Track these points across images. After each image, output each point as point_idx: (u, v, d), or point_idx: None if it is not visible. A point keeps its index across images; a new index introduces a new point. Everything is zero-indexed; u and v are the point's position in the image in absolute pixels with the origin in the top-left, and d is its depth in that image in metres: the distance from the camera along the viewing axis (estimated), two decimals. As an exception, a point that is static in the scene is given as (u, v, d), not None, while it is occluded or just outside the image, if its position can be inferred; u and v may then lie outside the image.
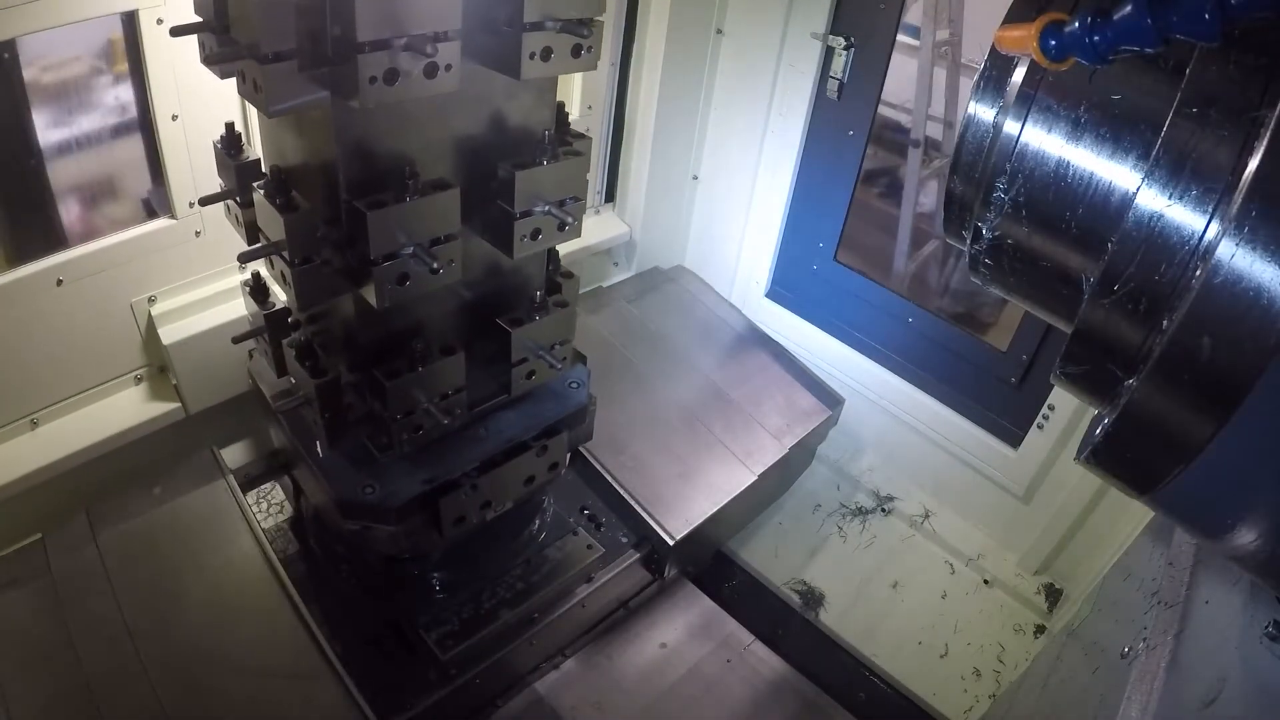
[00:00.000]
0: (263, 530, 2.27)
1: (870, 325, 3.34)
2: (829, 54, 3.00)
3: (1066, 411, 2.79)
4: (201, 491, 2.32)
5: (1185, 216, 0.81)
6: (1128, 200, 0.88)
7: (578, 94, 3.08)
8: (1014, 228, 1.02)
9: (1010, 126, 1.01)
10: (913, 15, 3.98)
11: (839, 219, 3.30)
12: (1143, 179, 0.84)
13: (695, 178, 3.54)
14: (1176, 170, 0.81)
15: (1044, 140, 0.98)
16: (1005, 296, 1.16)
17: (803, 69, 3.07)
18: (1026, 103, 1.00)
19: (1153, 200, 0.82)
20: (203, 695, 1.92)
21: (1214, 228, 0.79)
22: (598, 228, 3.37)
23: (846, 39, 2.94)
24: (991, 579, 3.08)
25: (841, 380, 3.33)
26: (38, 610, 2.01)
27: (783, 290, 3.56)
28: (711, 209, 3.58)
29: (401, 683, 2.18)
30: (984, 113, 1.08)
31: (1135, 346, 0.88)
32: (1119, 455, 0.90)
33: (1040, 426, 2.89)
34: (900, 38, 3.10)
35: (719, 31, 3.17)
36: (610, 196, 3.50)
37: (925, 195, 4.51)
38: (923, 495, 3.32)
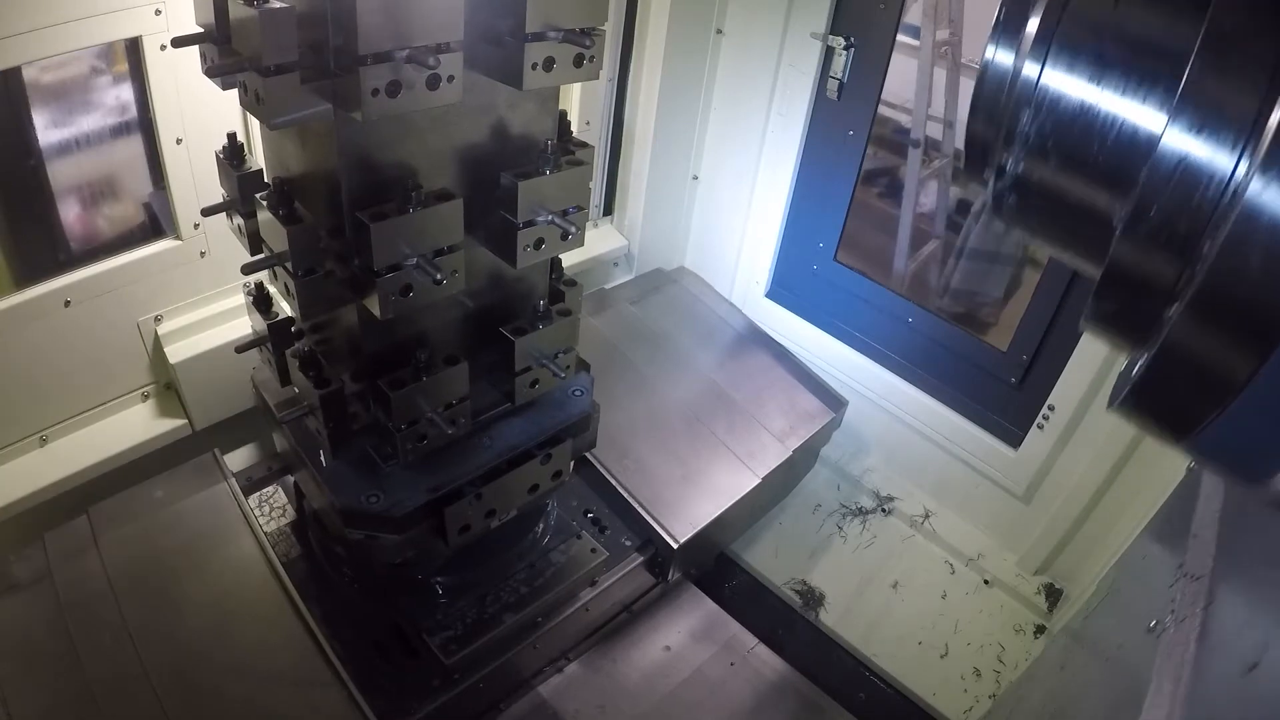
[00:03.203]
0: (265, 534, 2.27)
1: (870, 325, 3.34)
2: (829, 54, 2.99)
3: (1066, 411, 2.80)
4: (203, 495, 2.33)
5: (1220, 141, 0.77)
6: (1157, 132, 0.85)
7: (576, 109, 3.10)
8: (1039, 163, 0.97)
9: (1031, 62, 0.96)
10: (913, 15, 3.96)
11: (839, 219, 3.30)
12: (1174, 104, 0.80)
13: (695, 178, 3.53)
14: (1209, 94, 0.78)
15: (1066, 74, 0.94)
16: (1030, 240, 1.12)
17: (803, 69, 3.06)
18: (1048, 36, 0.95)
19: (1186, 123, 0.79)
20: (204, 699, 1.92)
21: (1251, 151, 0.76)
22: (595, 241, 3.39)
23: (846, 39, 2.93)
24: (991, 579, 3.09)
25: (841, 380, 3.33)
26: (38, 613, 2.01)
27: (783, 290, 3.56)
28: (711, 209, 3.58)
29: (404, 687, 2.19)
30: (1003, 56, 1.03)
31: (1172, 279, 0.83)
32: (1157, 396, 0.85)
33: (1040, 426, 2.90)
34: (900, 38, 3.09)
35: (719, 31, 3.16)
36: (609, 209, 3.52)
37: (925, 195, 4.50)
38: (923, 495, 3.33)
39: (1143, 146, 0.89)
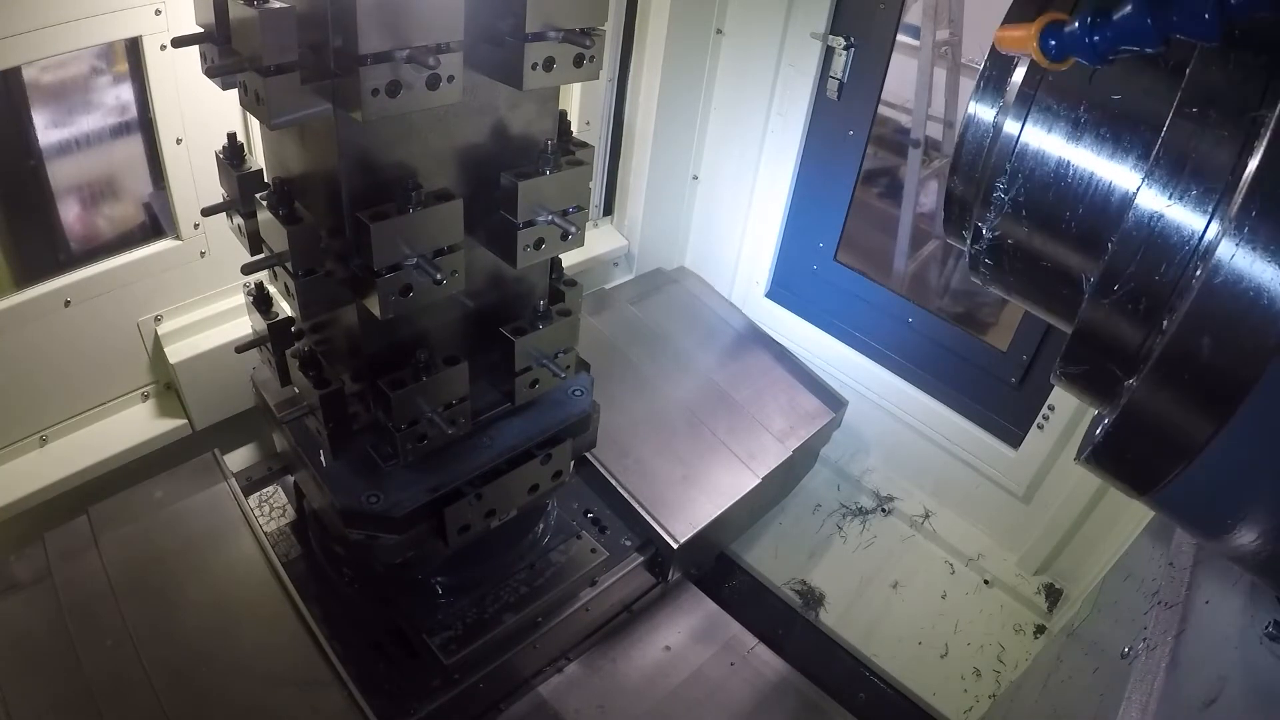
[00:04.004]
0: (265, 533, 2.27)
1: (870, 325, 3.34)
2: (829, 54, 2.99)
3: (1066, 411, 2.80)
4: (203, 495, 2.33)
5: (1185, 216, 0.81)
6: (1128, 200, 0.89)
7: (576, 109, 3.10)
8: (1014, 227, 1.02)
9: (1010, 126, 1.01)
10: (913, 15, 3.97)
11: (839, 219, 3.30)
12: (1143, 179, 0.84)
13: (695, 178, 3.53)
14: (1176, 170, 0.82)
15: (1044, 140, 0.98)
16: (1005, 297, 1.16)
17: (803, 69, 3.06)
18: (1026, 103, 1.00)
19: (1153, 200, 0.82)
20: (204, 699, 1.92)
21: (1214, 228, 0.79)
22: (595, 241, 3.39)
23: (846, 39, 2.93)
24: (991, 579, 3.09)
25: (841, 380, 3.33)
26: (38, 613, 2.01)
27: (783, 290, 3.56)
28: (711, 209, 3.58)
29: (405, 687, 2.19)
30: (984, 113, 1.08)
31: (1135, 346, 0.88)
32: (1119, 455, 0.90)
33: (1040, 426, 2.90)
34: (900, 38, 3.09)
35: (719, 31, 3.16)
36: (609, 210, 3.52)
37: (925, 195, 4.51)
38: (923, 495, 3.33)
39: (1114, 213, 0.93)
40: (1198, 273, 0.78)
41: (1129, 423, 0.86)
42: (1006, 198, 1.00)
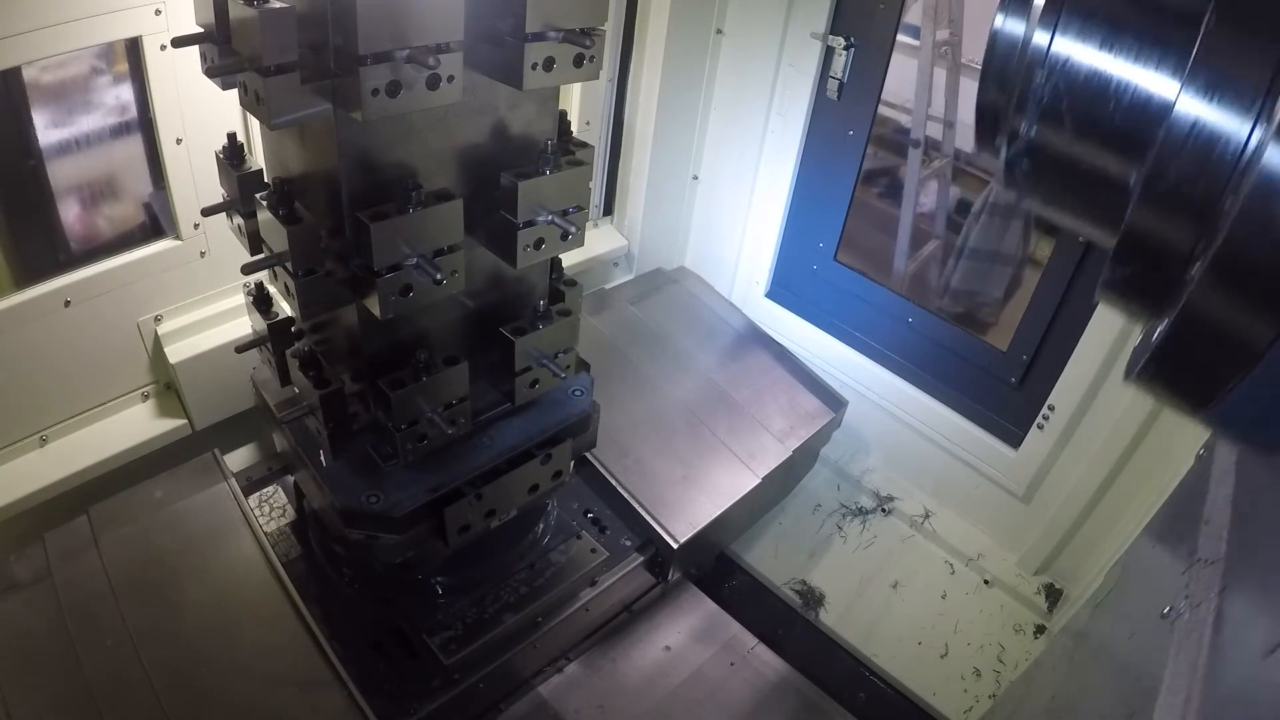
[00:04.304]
0: (265, 533, 2.27)
1: (870, 325, 3.34)
2: (829, 54, 2.99)
3: (1066, 411, 2.80)
4: (203, 495, 2.33)
5: (1234, 106, 0.76)
6: (1173, 91, 0.82)
7: (576, 109, 3.10)
8: (1052, 126, 0.95)
9: (1043, 28, 0.94)
10: (913, 15, 3.96)
11: (839, 219, 3.30)
12: (1188, 69, 0.78)
13: (695, 178, 3.53)
14: (1223, 56, 0.76)
15: (1081, 31, 0.92)
16: (1043, 210, 1.09)
17: (803, 69, 3.06)
18: (1058, 6, 0.93)
19: (1199, 87, 0.77)
20: (204, 699, 1.92)
21: (1269, 111, 0.74)
22: (595, 241, 3.39)
23: (846, 39, 2.93)
24: (991, 579, 3.09)
25: (841, 380, 3.34)
26: (38, 613, 2.01)
27: (783, 290, 3.56)
28: (711, 209, 3.58)
29: (405, 687, 2.19)
30: (1012, 24, 1.01)
31: (1190, 244, 0.81)
32: (1177, 365, 0.83)
33: (1040, 426, 2.90)
34: (900, 38, 3.09)
35: (719, 31, 3.16)
36: (609, 209, 3.52)
37: (925, 195, 4.50)
38: (923, 495, 3.33)
39: (1158, 109, 0.87)
40: (1252, 163, 0.73)
41: (1187, 326, 0.79)
42: (1045, 90, 0.93)
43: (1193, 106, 0.78)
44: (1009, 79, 1.01)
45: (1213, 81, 0.77)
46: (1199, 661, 1.07)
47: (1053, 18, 0.93)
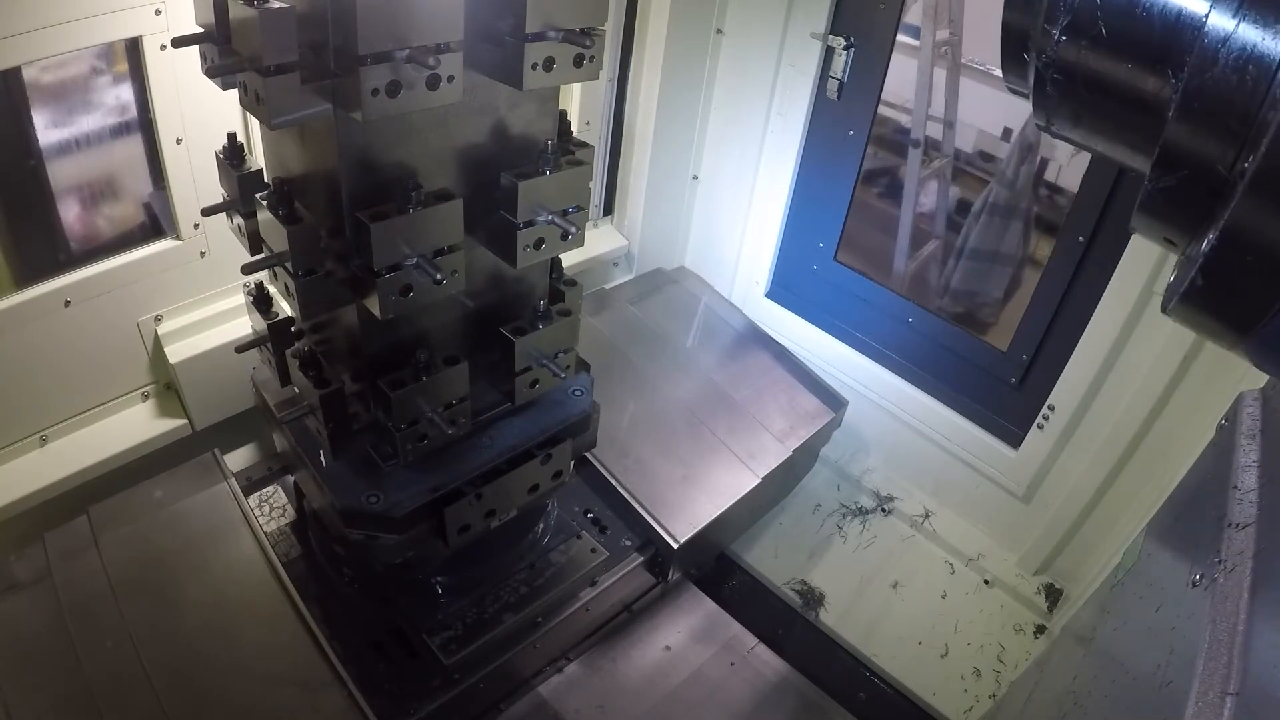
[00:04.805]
0: (265, 533, 2.27)
1: (870, 325, 3.34)
2: (829, 54, 2.99)
3: (1066, 411, 2.80)
4: (203, 495, 2.33)
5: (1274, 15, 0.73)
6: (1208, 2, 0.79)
7: (576, 109, 3.10)
8: (1083, 37, 0.90)
9: None
10: (913, 15, 3.97)
11: (839, 219, 3.30)
12: None
13: (695, 178, 3.53)
14: None
15: None
16: (1071, 135, 1.04)
17: (803, 69, 3.06)
18: None
19: None
20: (204, 699, 1.92)
21: None
22: (595, 241, 3.39)
23: (846, 39, 2.93)
24: (991, 579, 3.09)
25: (841, 380, 3.33)
26: (38, 613, 2.01)
27: (783, 290, 3.56)
28: (711, 209, 3.58)
29: (405, 687, 2.18)
30: None
31: (1232, 157, 0.79)
32: (1220, 286, 0.80)
33: (1040, 426, 2.90)
34: (900, 38, 3.09)
35: (719, 31, 3.16)
36: (609, 209, 3.52)
37: (925, 195, 4.51)
38: (923, 495, 3.33)
39: (1194, 15, 0.83)
40: None
41: (1231, 244, 0.76)
42: (1074, 3, 0.90)
43: (1230, 7, 0.74)
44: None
45: None
46: (1237, 625, 1.05)
47: None
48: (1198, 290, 0.81)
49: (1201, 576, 1.25)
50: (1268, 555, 1.15)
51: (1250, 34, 0.75)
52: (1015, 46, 1.05)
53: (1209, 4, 0.78)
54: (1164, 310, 0.88)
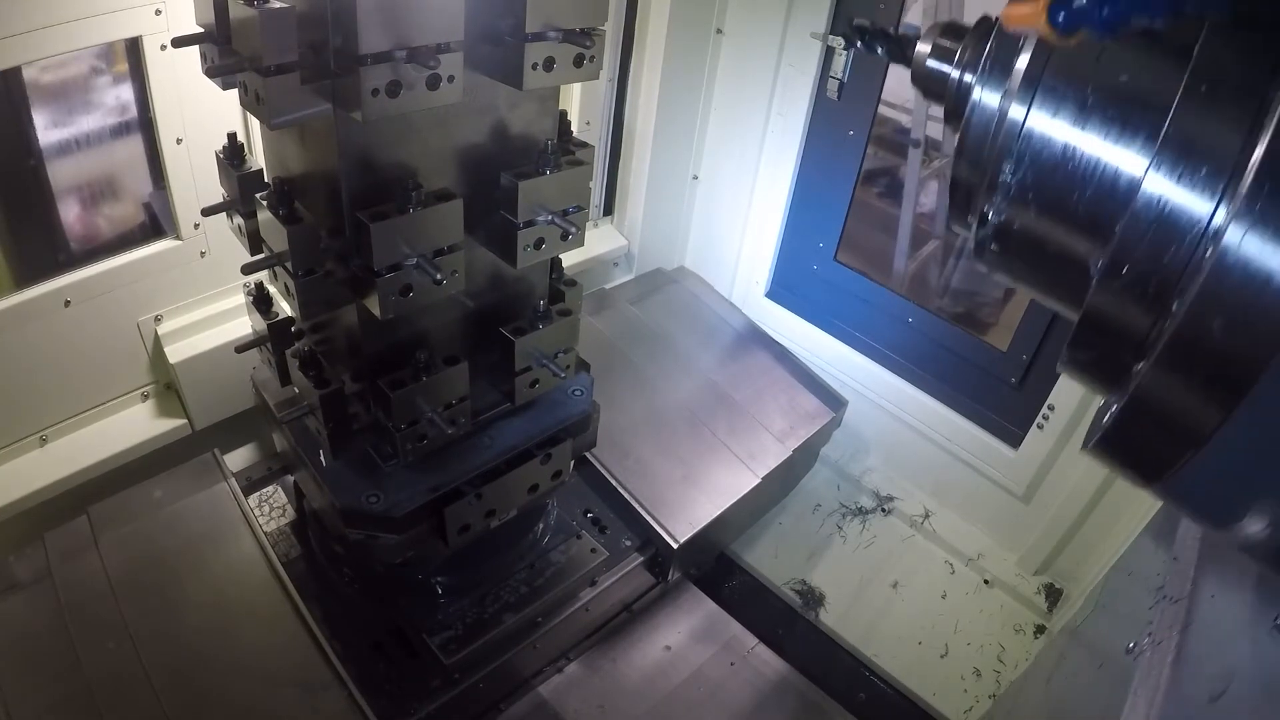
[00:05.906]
0: (265, 533, 2.27)
1: (870, 325, 3.34)
2: (829, 54, 2.99)
3: (1066, 411, 2.79)
4: (203, 495, 2.33)
5: (1194, 198, 0.79)
6: (1135, 182, 0.87)
7: (576, 109, 3.10)
8: (1020, 211, 1.00)
9: (1016, 110, 0.98)
10: (913, 15, 3.97)
11: (839, 219, 3.30)
12: (1150, 160, 0.82)
13: (695, 177, 3.53)
14: (1184, 151, 0.80)
15: (1050, 123, 0.96)
16: (1011, 284, 1.15)
17: (803, 69, 3.06)
18: (1032, 85, 0.97)
19: (1160, 182, 0.81)
20: (204, 699, 1.92)
21: (1224, 209, 0.78)
22: (595, 241, 3.39)
23: (847, 39, 2.93)
24: (991, 579, 3.09)
25: (841, 380, 3.33)
26: (38, 613, 2.01)
27: (783, 290, 3.56)
28: (711, 209, 3.58)
29: (405, 687, 2.19)
30: (989, 97, 1.05)
31: (1144, 331, 0.86)
32: (1127, 442, 0.88)
33: (1040, 426, 2.90)
34: (900, 38, 3.08)
35: (719, 31, 3.16)
36: (609, 209, 3.52)
37: (925, 195, 4.51)
38: (923, 495, 3.33)
39: (1122, 196, 0.90)
40: (1207, 254, 0.76)
41: (1137, 409, 0.84)
42: (1013, 181, 0.98)
43: (1159, 186, 0.81)
44: (982, 159, 1.05)
45: (1179, 160, 0.80)
46: (1155, 701, 1.11)
47: (1028, 94, 0.97)
48: (1109, 440, 0.88)
49: (1134, 645, 1.32)
50: (1194, 632, 1.21)
51: (1177, 205, 0.81)
52: (961, 203, 1.14)
53: (1143, 174, 0.84)
54: (1083, 449, 0.96)
